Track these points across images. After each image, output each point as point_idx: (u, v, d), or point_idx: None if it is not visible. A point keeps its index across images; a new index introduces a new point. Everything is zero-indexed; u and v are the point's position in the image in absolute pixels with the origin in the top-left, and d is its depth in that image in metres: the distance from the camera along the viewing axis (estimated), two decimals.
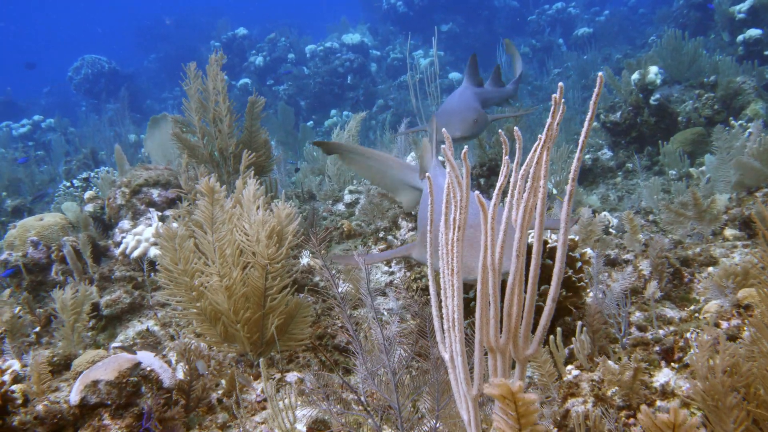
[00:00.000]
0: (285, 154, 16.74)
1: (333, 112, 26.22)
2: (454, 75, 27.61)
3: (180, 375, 4.15)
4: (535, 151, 2.18)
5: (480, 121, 6.98)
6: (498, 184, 2.24)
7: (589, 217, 5.22)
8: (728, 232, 5.45)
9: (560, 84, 2.03)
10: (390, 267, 6.30)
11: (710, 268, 4.90)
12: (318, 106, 27.08)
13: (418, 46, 30.50)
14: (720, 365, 2.89)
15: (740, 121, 10.09)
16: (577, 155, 2.10)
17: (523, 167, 2.25)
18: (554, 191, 8.06)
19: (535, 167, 2.16)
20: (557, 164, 8.49)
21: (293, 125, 18.57)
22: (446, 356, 2.79)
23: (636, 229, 5.17)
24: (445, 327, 2.72)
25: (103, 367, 3.85)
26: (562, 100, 2.20)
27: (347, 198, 8.75)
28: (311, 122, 25.22)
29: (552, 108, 2.05)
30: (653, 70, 10.40)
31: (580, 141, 2.18)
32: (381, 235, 6.91)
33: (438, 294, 2.76)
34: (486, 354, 2.71)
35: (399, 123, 12.84)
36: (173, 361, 4.69)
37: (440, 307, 2.73)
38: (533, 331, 2.68)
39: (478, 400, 2.75)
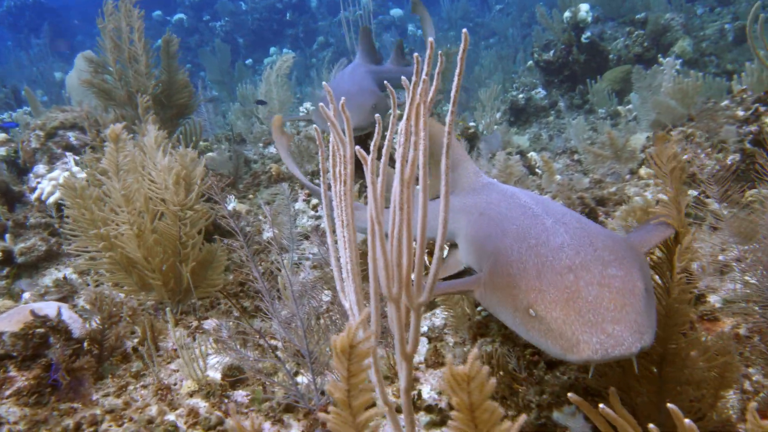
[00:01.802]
0: (220, 94, 16.31)
1: (272, 49, 25.56)
2: (395, 11, 27.14)
3: (95, 324, 4.09)
4: (412, 104, 2.15)
5: (380, 106, 5.95)
6: (372, 142, 2.21)
7: (505, 159, 5.26)
8: (643, 170, 5.60)
9: (416, 55, 1.98)
10: (316, 211, 6.27)
11: (623, 206, 5.03)
12: (257, 43, 26.34)
13: None
14: None
15: (668, 58, 10.25)
16: (448, 119, 2.07)
17: (401, 123, 2.23)
18: (484, 133, 8.10)
19: (406, 123, 2.14)
20: (488, 104, 8.49)
21: (230, 63, 18.03)
22: (346, 305, 2.81)
23: (552, 170, 5.26)
24: (343, 277, 2.73)
25: (8, 318, 3.75)
26: (429, 63, 2.16)
27: (287, 125, 8.60)
28: (251, 60, 24.54)
29: (414, 79, 2.01)
30: (584, 7, 10.41)
31: (449, 111, 2.15)
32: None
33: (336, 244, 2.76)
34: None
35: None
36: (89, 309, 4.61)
37: (338, 258, 2.74)
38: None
39: (376, 347, 2.79)
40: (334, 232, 2.75)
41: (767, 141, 4.63)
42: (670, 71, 6.43)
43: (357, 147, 2.20)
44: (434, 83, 2.04)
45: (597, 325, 2.06)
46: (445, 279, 4.02)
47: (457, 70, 2.00)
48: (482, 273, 2.83)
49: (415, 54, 2.04)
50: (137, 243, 4.25)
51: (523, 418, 1.54)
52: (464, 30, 1.92)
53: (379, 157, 2.29)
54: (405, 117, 2.26)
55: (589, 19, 10.67)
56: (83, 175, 4.55)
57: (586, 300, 2.11)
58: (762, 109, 5.31)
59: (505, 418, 3.25)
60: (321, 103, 2.25)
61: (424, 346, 4.05)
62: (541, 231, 2.50)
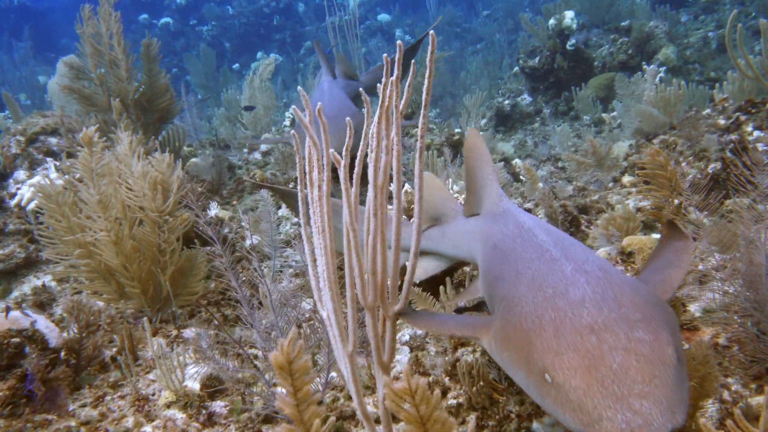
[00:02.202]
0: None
1: (259, 54, 25.51)
2: (383, 17, 27.16)
3: (72, 334, 4.03)
4: (381, 107, 2.15)
5: (361, 125, 5.48)
6: (345, 145, 2.19)
7: None
8: (626, 179, 5.61)
9: (384, 55, 1.98)
10: (298, 218, 6.25)
11: (604, 215, 5.04)
12: (244, 47, 26.29)
13: None
14: None
15: (652, 66, 10.32)
16: (420, 122, 2.06)
17: (373, 127, 2.22)
18: None
19: (377, 127, 2.14)
20: (473, 110, 8.50)
21: (215, 68, 17.95)
22: (324, 314, 2.79)
23: (534, 178, 5.26)
24: (321, 285, 2.71)
25: None
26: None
27: (263, 146, 8.56)
28: (237, 65, 24.47)
29: (383, 80, 2.00)
30: (569, 15, 10.46)
31: (421, 114, 2.14)
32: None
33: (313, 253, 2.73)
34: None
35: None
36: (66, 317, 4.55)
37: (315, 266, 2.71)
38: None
39: (354, 356, 2.77)
40: (311, 240, 2.73)
41: (744, 151, 4.66)
42: (651, 79, 6.46)
43: (331, 150, 2.19)
44: (407, 82, 2.03)
45: (622, 399, 1.78)
46: (463, 308, 3.96)
47: (427, 73, 1.99)
48: (493, 318, 2.59)
49: (384, 54, 2.03)
50: (115, 250, 4.20)
51: (472, 422, 1.53)
52: (431, 31, 1.92)
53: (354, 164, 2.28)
54: (375, 120, 2.25)
55: (574, 26, 10.72)
56: (60, 181, 4.50)
57: (610, 368, 1.85)
58: (743, 118, 5.35)
59: (484, 428, 3.23)
60: (294, 106, 2.23)
61: (406, 355, 4.03)
62: (560, 279, 2.24)
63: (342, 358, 2.80)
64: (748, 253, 3.23)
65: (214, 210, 6.34)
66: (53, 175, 5.89)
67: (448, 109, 12.10)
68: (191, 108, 9.52)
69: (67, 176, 4.53)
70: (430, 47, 1.93)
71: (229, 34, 26.56)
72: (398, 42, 2.04)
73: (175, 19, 27.88)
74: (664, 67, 10.19)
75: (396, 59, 2.11)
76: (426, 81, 2.10)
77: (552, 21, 10.84)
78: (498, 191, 3.28)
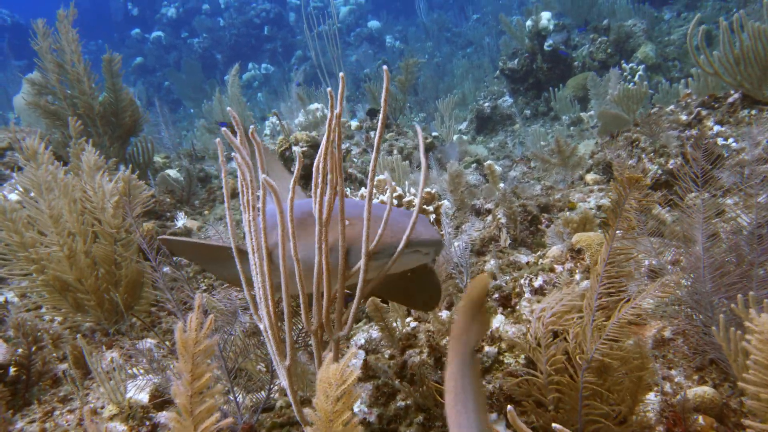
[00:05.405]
0: (195, 111, 16.26)
1: (250, 65, 25.59)
2: (373, 23, 27.23)
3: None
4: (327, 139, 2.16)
5: None
6: (294, 172, 2.19)
7: (456, 168, 5.24)
8: (589, 176, 5.58)
9: (342, 74, 1.96)
10: None
11: (567, 212, 5.02)
12: (235, 58, 26.36)
13: None
14: (536, 311, 2.98)
15: (631, 64, 10.29)
16: (375, 140, 2.05)
17: (316, 160, 2.23)
18: (444, 143, 8.09)
19: (323, 161, 2.15)
20: (446, 113, 8.49)
21: (202, 81, 17.99)
22: (261, 326, 2.78)
23: (496, 179, 5.23)
24: (258, 300, 2.70)
25: None
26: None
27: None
28: (228, 76, 24.57)
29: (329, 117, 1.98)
30: (545, 15, 10.45)
31: (377, 134, 2.13)
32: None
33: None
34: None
35: (316, 75, 12.75)
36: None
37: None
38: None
39: (291, 369, 2.76)
40: (241, 255, 2.72)
41: (699, 147, 4.62)
42: (616, 79, 6.44)
43: (263, 177, 2.17)
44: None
45: None
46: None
47: (382, 109, 1.99)
48: None
49: (329, 89, 2.07)
50: (68, 264, 4.19)
51: None
52: (384, 67, 1.92)
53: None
54: (321, 155, 2.25)
55: (551, 27, 10.70)
56: (15, 196, 4.49)
57: None
58: (704, 113, 5.32)
59: (431, 429, 3.20)
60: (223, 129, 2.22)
61: (361, 359, 4.01)
62: None
63: (280, 370, 2.79)
64: (700, 250, 3.20)
65: (182, 220, 6.32)
66: (10, 193, 5.89)
67: (431, 113, 12.12)
68: (168, 121, 9.51)
69: (18, 191, 4.52)
70: (385, 84, 1.94)
71: (221, 45, 26.65)
72: (340, 82, 2.05)
73: (166, 33, 27.98)
74: (643, 65, 10.16)
75: (339, 93, 2.15)
76: (380, 115, 2.13)
77: (529, 22, 10.83)
78: None
